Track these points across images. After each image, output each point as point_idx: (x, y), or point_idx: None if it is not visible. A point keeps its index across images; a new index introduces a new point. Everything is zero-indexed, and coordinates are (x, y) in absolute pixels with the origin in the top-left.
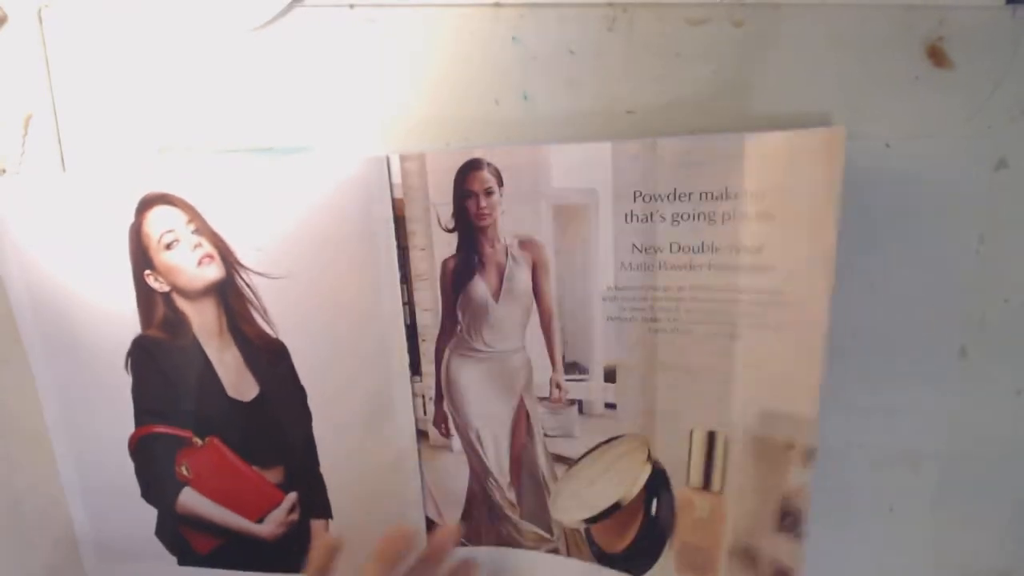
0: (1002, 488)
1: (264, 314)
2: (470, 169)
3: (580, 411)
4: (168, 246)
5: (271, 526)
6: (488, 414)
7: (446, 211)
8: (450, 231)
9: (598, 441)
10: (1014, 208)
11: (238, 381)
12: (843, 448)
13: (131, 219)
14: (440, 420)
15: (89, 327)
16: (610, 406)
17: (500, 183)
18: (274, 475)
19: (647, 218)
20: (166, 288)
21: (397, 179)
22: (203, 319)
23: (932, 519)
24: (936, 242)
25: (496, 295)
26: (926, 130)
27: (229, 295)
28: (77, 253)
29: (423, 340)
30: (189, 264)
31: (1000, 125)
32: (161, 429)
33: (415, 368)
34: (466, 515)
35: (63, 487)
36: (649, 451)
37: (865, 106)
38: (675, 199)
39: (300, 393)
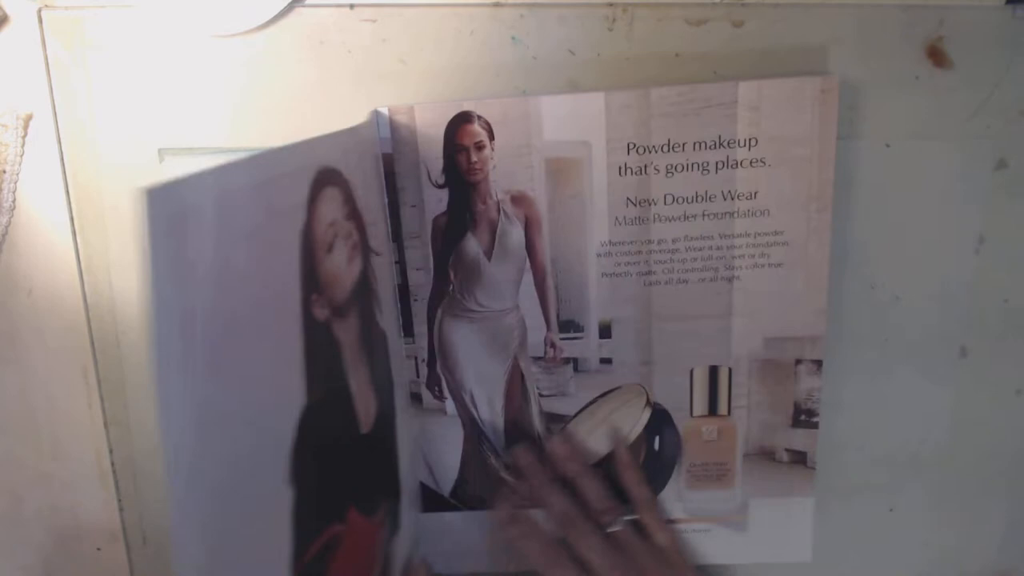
0: (1002, 488)
1: (378, 302)
2: (460, 122)
3: (575, 369)
4: (330, 246)
5: None
6: (482, 376)
7: (436, 166)
8: (441, 187)
9: (594, 397)
10: (1014, 208)
11: (366, 407)
12: (843, 448)
13: (303, 217)
14: (433, 383)
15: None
16: (606, 361)
17: (491, 137)
18: (380, 514)
19: (641, 170)
20: (326, 313)
21: (386, 133)
22: (351, 341)
23: (932, 519)
24: (936, 242)
25: (489, 253)
26: (926, 130)
27: (363, 293)
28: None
29: (415, 300)
30: (344, 265)
31: (1000, 125)
32: (317, 546)
33: (407, 329)
34: (460, 479)
35: None
36: (648, 397)
37: (865, 106)
38: (669, 150)
39: (392, 388)
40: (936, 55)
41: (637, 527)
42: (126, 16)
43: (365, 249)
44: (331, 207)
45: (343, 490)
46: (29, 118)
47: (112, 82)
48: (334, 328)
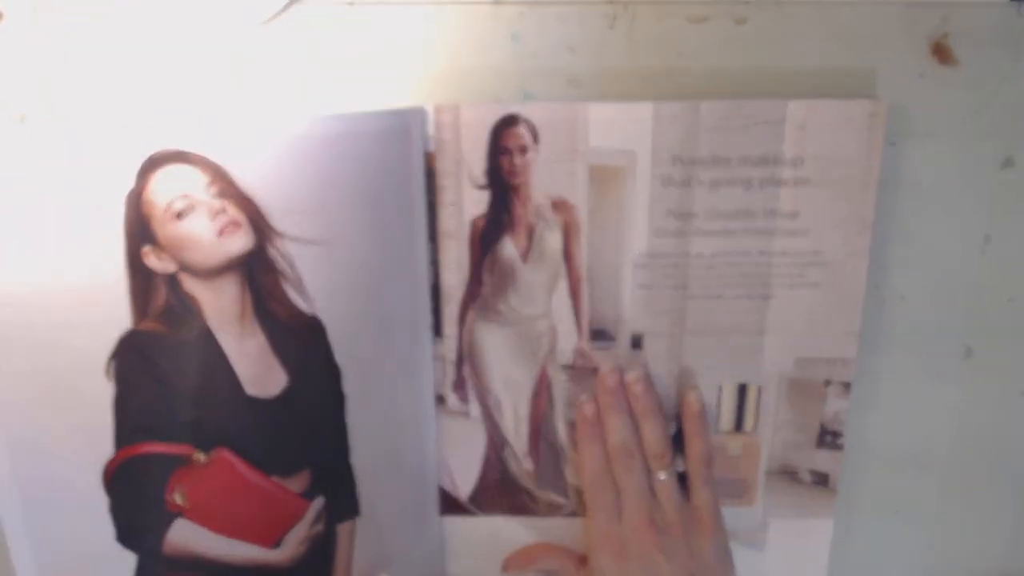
0: (1007, 488)
1: (300, 288)
2: (506, 125)
3: None
4: (179, 214)
5: (291, 547)
6: (509, 380)
7: (479, 167)
8: (482, 188)
9: None
10: (1020, 207)
11: (262, 374)
12: (846, 448)
13: (130, 184)
14: (459, 385)
15: (54, 325)
16: None
17: (536, 140)
18: (298, 482)
19: (685, 183)
20: (172, 268)
21: (430, 131)
22: (221, 303)
23: (937, 520)
24: (941, 241)
25: (525, 257)
26: (931, 128)
27: (257, 270)
28: (40, 230)
29: (447, 301)
30: (207, 235)
31: (1006, 123)
32: (152, 448)
33: (436, 329)
34: (479, 485)
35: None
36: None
37: None
38: (714, 164)
39: (334, 375)
40: (941, 52)
41: (683, 480)
42: (123, 15)
43: (262, 231)
44: (175, 183)
45: (206, 426)
46: (23, 119)
47: (109, 81)
48: (186, 284)
